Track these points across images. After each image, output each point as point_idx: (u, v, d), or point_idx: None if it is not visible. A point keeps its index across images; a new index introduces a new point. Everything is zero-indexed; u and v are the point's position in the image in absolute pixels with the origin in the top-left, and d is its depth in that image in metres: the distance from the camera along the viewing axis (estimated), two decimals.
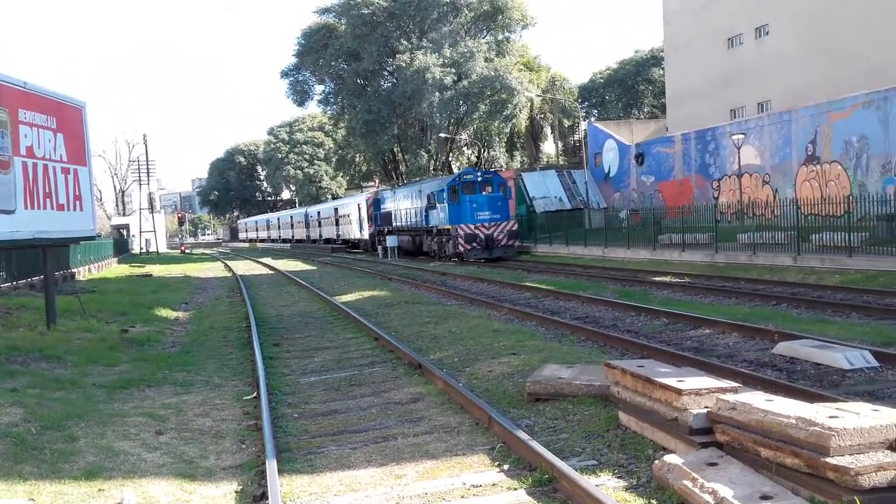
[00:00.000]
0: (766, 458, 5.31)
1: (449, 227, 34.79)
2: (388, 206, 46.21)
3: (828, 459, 4.82)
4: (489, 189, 35.14)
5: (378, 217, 48.12)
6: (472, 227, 33.72)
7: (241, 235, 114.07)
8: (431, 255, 38.35)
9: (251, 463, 6.99)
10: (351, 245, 57.75)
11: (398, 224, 43.78)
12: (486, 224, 33.89)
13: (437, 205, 36.14)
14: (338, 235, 60.47)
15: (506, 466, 6.41)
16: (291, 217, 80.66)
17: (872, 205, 21.86)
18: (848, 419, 5.03)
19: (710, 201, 34.48)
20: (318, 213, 68.15)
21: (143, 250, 72.63)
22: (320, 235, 66.66)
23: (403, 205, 42.61)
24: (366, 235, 50.78)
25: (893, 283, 17.14)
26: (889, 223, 20.70)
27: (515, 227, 35.22)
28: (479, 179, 35.57)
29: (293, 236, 78.60)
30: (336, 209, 61.08)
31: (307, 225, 71.67)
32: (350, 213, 55.56)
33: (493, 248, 33.73)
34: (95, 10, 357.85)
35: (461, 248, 33.81)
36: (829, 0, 35.81)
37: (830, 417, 5.08)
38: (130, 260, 54.42)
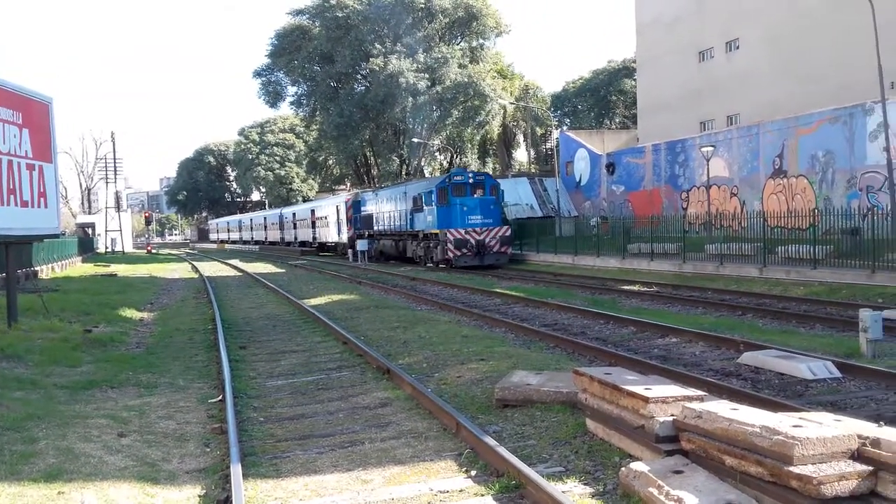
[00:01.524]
0: (730, 466, 5.36)
1: (437, 231, 32.66)
2: (369, 208, 44.17)
3: (791, 468, 4.87)
4: (480, 192, 33.00)
5: (358, 220, 46.36)
6: (462, 231, 31.56)
7: (212, 236, 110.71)
8: (417, 261, 36.35)
9: (215, 467, 6.90)
10: (327, 249, 56.01)
11: (380, 227, 41.63)
12: (478, 229, 31.79)
13: (425, 207, 34.03)
14: (314, 238, 58.30)
15: (473, 472, 6.40)
16: (265, 218, 78.38)
17: (837, 218, 22.25)
18: (811, 429, 5.09)
19: (679, 212, 34.88)
20: (294, 214, 66.05)
21: (109, 249, 71.63)
22: (295, 238, 64.65)
23: (386, 207, 40.39)
24: (344, 239, 48.80)
25: (856, 296, 17.46)
26: (853, 237, 21.07)
27: (509, 233, 32.87)
28: (471, 181, 33.39)
29: (266, 238, 76.55)
30: (313, 211, 58.99)
31: (281, 227, 69.72)
32: (328, 216, 53.56)
33: (485, 254, 31.68)
34: (64, 3, 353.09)
35: (450, 255, 31.54)
36: (798, 17, 36.46)
37: (794, 427, 5.13)
38: (95, 259, 53.63)
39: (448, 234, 31.58)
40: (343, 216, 48.79)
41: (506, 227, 33.00)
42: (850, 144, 28.48)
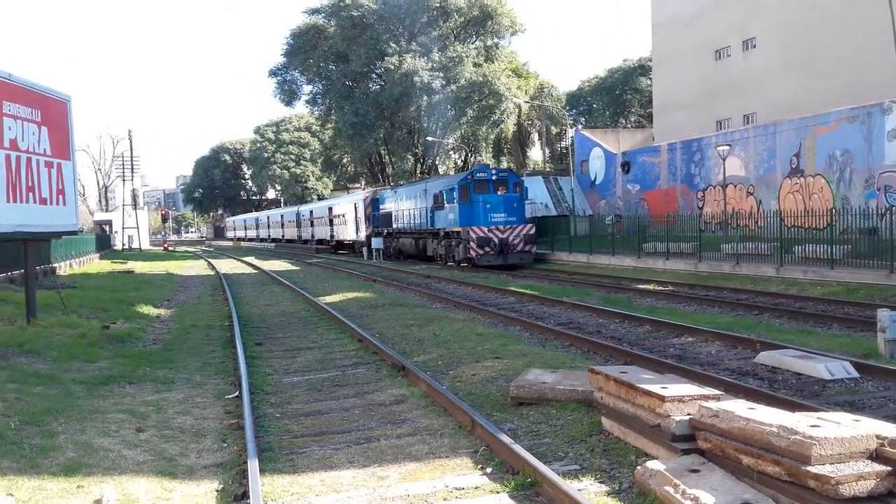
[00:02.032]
0: (747, 465, 5.34)
1: (459, 229, 31.88)
2: (388, 206, 43.26)
3: (809, 468, 4.85)
4: (504, 189, 32.16)
5: (376, 217, 45.28)
6: (485, 229, 30.70)
7: (229, 234, 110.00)
8: (437, 259, 35.52)
9: (232, 462, 6.95)
10: (344, 247, 55.03)
11: (399, 226, 40.85)
12: (501, 227, 30.96)
13: (446, 205, 33.30)
14: (332, 236, 57.27)
15: (488, 470, 6.41)
16: (282, 216, 77.41)
17: (855, 218, 22.07)
18: (829, 429, 5.07)
19: (695, 211, 34.68)
20: (311, 212, 64.88)
21: (126, 247, 72.13)
22: (312, 236, 63.67)
23: (406, 205, 39.64)
24: (363, 237, 47.84)
25: (874, 296, 17.31)
26: (871, 237, 20.89)
27: (533, 231, 31.88)
28: (494, 178, 32.43)
29: (283, 236, 75.60)
30: (330, 209, 57.75)
31: (298, 224, 68.58)
32: (345, 213, 52.41)
33: (508, 253, 30.80)
34: (83, 3, 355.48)
35: (472, 253, 30.69)
36: (814, 15, 36.19)
37: (812, 427, 5.11)
38: (112, 256, 53.99)
39: (471, 233, 30.82)
40: (361, 214, 48.08)
41: (530, 226, 32.12)
42: (867, 143, 28.24)
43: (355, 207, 49.51)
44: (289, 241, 72.81)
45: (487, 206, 31.33)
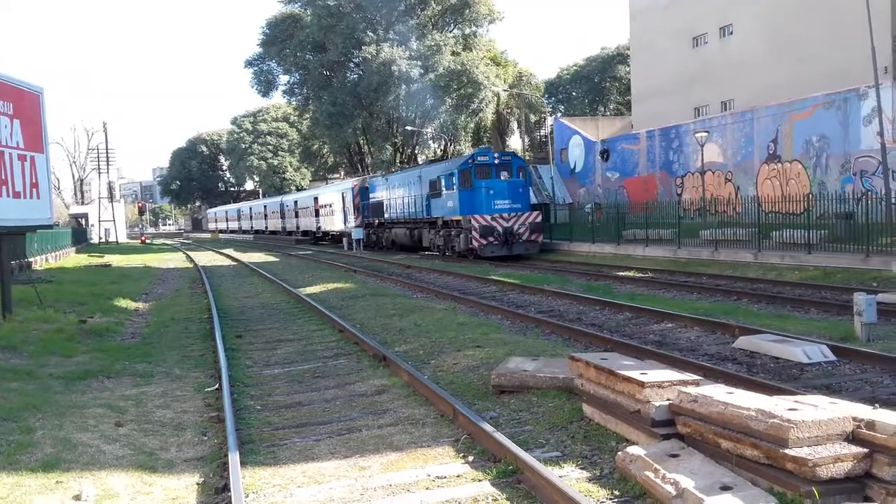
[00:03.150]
0: (726, 449, 5.39)
1: (459, 217, 29.85)
2: (378, 194, 41.22)
3: (786, 451, 4.90)
4: (506, 173, 30.06)
5: (366, 207, 43.46)
6: (488, 218, 28.71)
7: (210, 226, 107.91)
8: (434, 251, 33.73)
9: (213, 455, 6.91)
10: (332, 239, 53.81)
11: (391, 215, 38.85)
12: (505, 215, 29.02)
13: (444, 192, 31.28)
14: (318, 227, 55.50)
15: (470, 458, 6.42)
16: (265, 207, 75.44)
17: (831, 203, 22.29)
18: (806, 412, 5.12)
19: (674, 198, 34.88)
20: (295, 202, 62.96)
21: (103, 240, 71.44)
22: (297, 227, 61.89)
23: (398, 193, 37.55)
24: (351, 227, 45.98)
25: (851, 280, 17.52)
26: (847, 221, 21.12)
27: (539, 219, 29.95)
28: (496, 162, 30.23)
29: (266, 227, 73.98)
30: (316, 198, 55.93)
31: (282, 215, 67.10)
32: (332, 203, 50.55)
33: (514, 243, 28.95)
34: None
35: (475, 244, 28.70)
36: (791, 2, 36.42)
37: (789, 410, 5.16)
38: (89, 249, 53.45)
39: (472, 221, 28.84)
40: (350, 204, 46.34)
41: (536, 213, 30.14)
42: (844, 129, 28.51)
43: (343, 197, 47.78)
44: (273, 232, 71.22)
45: (490, 193, 29.40)
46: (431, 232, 33.54)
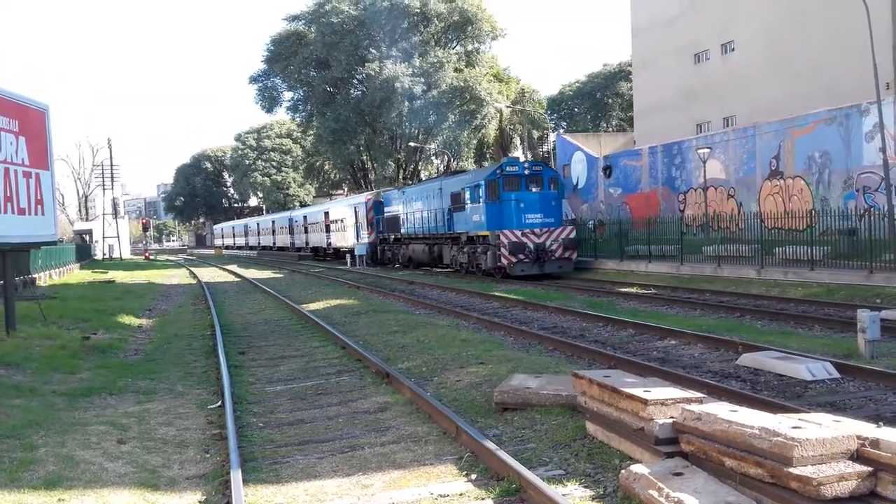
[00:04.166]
0: (730, 467, 5.37)
1: (486, 233, 27.72)
2: (394, 208, 39.25)
3: (791, 469, 4.88)
4: (538, 185, 27.87)
5: (381, 222, 41.54)
6: (518, 233, 26.63)
7: (217, 242, 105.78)
8: (457, 269, 31.34)
9: (215, 472, 6.90)
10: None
11: (408, 230, 36.85)
12: (537, 230, 26.91)
13: (469, 205, 29.19)
14: (329, 244, 53.08)
15: (473, 476, 6.40)
16: (273, 222, 73.10)
17: (834, 219, 22.28)
18: (810, 430, 5.11)
19: (676, 214, 34.87)
20: (305, 217, 60.48)
21: (107, 256, 71.59)
22: (307, 243, 59.68)
23: (416, 207, 35.43)
24: (364, 243, 43.88)
25: (854, 296, 17.48)
26: (850, 237, 21.10)
27: (573, 235, 27.84)
28: (527, 173, 27.99)
29: (275, 244, 71.91)
30: (327, 213, 53.59)
31: (291, 231, 64.91)
32: (344, 218, 48.10)
33: (546, 261, 26.79)
34: (60, 10, 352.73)
35: (504, 261, 26.54)
36: (792, 18, 36.54)
37: (793, 428, 5.14)
38: (93, 266, 53.56)
39: (501, 237, 26.67)
40: (363, 218, 44.04)
41: (570, 228, 28.09)
42: (846, 145, 28.52)
43: (355, 211, 45.65)
44: (280, 248, 69.37)
45: (521, 206, 27.22)
46: (454, 248, 31.50)
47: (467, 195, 29.45)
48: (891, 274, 18.26)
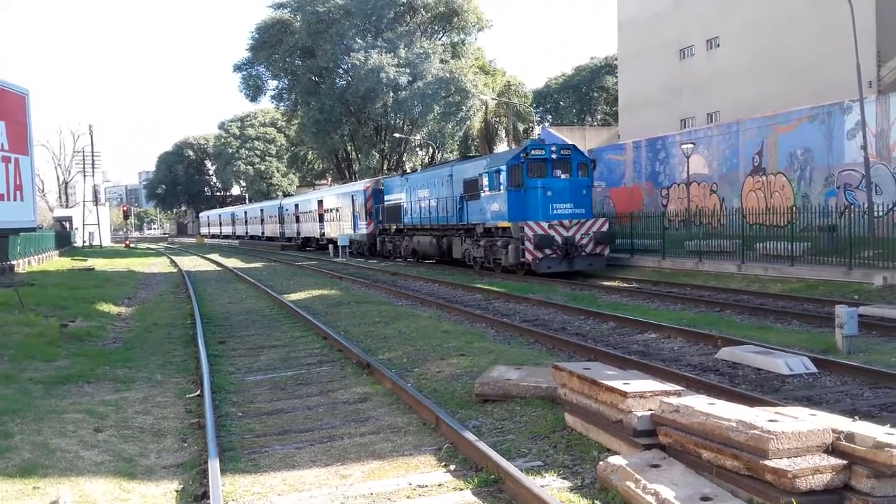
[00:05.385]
0: (707, 460, 5.40)
1: (508, 224, 24.42)
2: (395, 196, 36.08)
3: (766, 462, 4.92)
4: (566, 171, 24.52)
5: (381, 211, 38.57)
6: (544, 225, 23.47)
7: (203, 230, 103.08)
8: (470, 263, 27.98)
9: (193, 462, 6.86)
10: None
11: (412, 220, 33.72)
12: (566, 222, 23.81)
13: (485, 193, 25.99)
14: (322, 234, 50.02)
15: (452, 467, 6.40)
16: (262, 211, 70.26)
17: (815, 216, 22.47)
18: (786, 423, 5.15)
19: (659, 209, 35.02)
20: (296, 206, 57.44)
21: (87, 244, 70.97)
22: (298, 233, 56.86)
23: (422, 195, 32.28)
24: (362, 234, 41.22)
25: (833, 292, 17.65)
26: (830, 234, 21.28)
27: (606, 228, 24.73)
28: (554, 157, 24.44)
29: (263, 233, 68.88)
30: (320, 202, 50.69)
31: (281, 220, 62.34)
32: (340, 207, 45.36)
33: (575, 257, 23.74)
34: None
35: (528, 256, 23.41)
36: (778, 16, 36.74)
37: (770, 421, 5.18)
38: (73, 253, 53.07)
39: (526, 229, 23.54)
40: (361, 208, 41.44)
41: (602, 220, 25.03)
42: (828, 142, 28.74)
43: (353, 200, 42.97)
44: (270, 238, 66.99)
45: (548, 194, 24.04)
46: (467, 241, 28.11)
47: (485, 181, 26.08)
48: (869, 270, 18.43)
